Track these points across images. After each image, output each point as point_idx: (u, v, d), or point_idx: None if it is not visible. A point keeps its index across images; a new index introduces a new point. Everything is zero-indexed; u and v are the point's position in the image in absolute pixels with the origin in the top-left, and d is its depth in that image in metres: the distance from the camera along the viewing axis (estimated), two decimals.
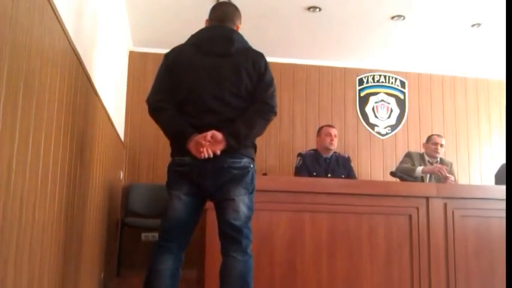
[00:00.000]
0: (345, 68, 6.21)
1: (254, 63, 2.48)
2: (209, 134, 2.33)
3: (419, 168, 4.68)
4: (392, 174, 4.43)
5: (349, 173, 4.77)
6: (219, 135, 2.35)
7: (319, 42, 5.57)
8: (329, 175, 4.64)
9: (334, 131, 4.84)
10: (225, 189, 2.39)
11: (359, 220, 3.46)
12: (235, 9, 2.69)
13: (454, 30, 5.14)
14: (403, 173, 4.77)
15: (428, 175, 4.71)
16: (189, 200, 2.43)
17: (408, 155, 4.95)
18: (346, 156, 4.96)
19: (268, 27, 5.14)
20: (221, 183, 2.39)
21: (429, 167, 4.72)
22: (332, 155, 4.82)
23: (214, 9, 2.69)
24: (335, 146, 4.84)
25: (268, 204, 3.28)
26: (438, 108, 6.37)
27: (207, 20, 2.68)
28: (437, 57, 5.95)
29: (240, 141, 2.39)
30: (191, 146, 2.36)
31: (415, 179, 4.65)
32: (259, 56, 2.54)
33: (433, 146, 4.80)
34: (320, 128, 4.97)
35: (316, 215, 3.40)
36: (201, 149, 2.32)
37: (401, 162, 4.94)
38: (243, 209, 2.40)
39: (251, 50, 2.55)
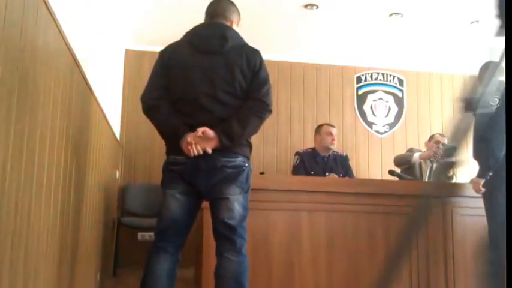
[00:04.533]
0: (342, 66, 6.22)
1: (248, 61, 2.45)
2: (200, 130, 2.32)
3: (417, 154, 4.76)
4: (391, 172, 4.45)
5: (347, 172, 4.78)
6: (210, 132, 2.34)
7: (316, 39, 5.58)
8: (327, 174, 4.64)
9: (334, 130, 4.84)
10: (218, 188, 2.38)
11: (357, 219, 3.47)
12: (229, 3, 2.66)
13: (453, 27, 5.15)
14: (400, 161, 4.84)
15: (427, 173, 4.73)
16: (184, 199, 2.42)
17: (410, 151, 5.01)
18: (344, 155, 4.96)
19: (265, 24, 5.14)
20: (214, 182, 2.38)
21: (426, 152, 4.79)
22: (330, 153, 4.83)
23: (209, 5, 2.68)
24: (335, 145, 4.85)
25: (265, 203, 3.28)
26: (437, 107, 6.38)
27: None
28: (436, 55, 5.96)
29: (233, 140, 2.37)
30: (184, 145, 2.36)
31: (413, 174, 4.67)
32: (254, 53, 2.50)
33: (436, 145, 4.82)
34: (320, 126, 4.94)
35: (314, 214, 3.41)
36: (189, 147, 2.33)
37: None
38: (237, 208, 2.39)
39: (246, 47, 2.52)
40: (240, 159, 2.43)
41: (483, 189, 3.39)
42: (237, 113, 2.40)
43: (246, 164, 2.46)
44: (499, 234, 3.28)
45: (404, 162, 4.82)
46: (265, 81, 2.47)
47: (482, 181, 3.39)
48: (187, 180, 2.41)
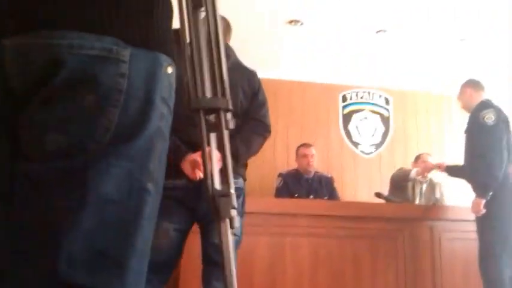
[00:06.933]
0: (328, 84, 6.24)
1: (249, 81, 2.50)
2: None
3: (414, 170, 4.76)
4: (378, 195, 4.45)
5: (332, 194, 4.77)
6: (217, 154, 2.27)
7: (301, 57, 5.61)
8: (311, 196, 4.63)
9: (311, 151, 4.85)
10: None
11: (342, 244, 3.45)
12: (227, 24, 2.65)
13: (441, 45, 5.21)
14: (399, 179, 4.83)
15: (418, 195, 4.75)
16: (178, 236, 2.32)
17: (400, 170, 5.03)
18: (329, 176, 4.95)
19: (248, 41, 5.15)
20: None
21: (421, 168, 4.76)
22: (314, 175, 4.83)
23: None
24: (314, 165, 4.85)
25: (246, 227, 3.23)
26: (424, 126, 6.42)
27: None
28: (423, 74, 6.01)
29: (239, 161, 2.39)
30: (185, 166, 2.25)
31: (405, 196, 4.67)
32: (253, 74, 2.56)
33: (423, 165, 4.84)
34: (297, 149, 5.00)
35: (297, 238, 3.38)
36: (197, 170, 2.22)
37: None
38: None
39: (245, 67, 2.57)
40: (240, 181, 2.42)
41: (484, 210, 3.38)
42: (239, 132, 2.39)
43: (243, 187, 2.46)
44: (489, 267, 3.28)
45: (403, 179, 4.80)
46: (265, 102, 2.55)
47: (483, 201, 3.38)
48: (190, 207, 2.30)
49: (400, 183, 4.83)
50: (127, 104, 0.78)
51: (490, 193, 3.38)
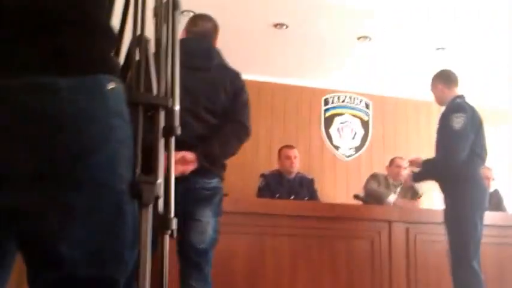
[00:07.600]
0: (310, 87, 6.30)
1: (232, 81, 2.50)
2: (178, 156, 2.21)
3: (393, 198, 4.63)
4: (356, 197, 4.50)
5: (313, 195, 4.83)
6: (189, 156, 2.30)
7: (284, 60, 5.66)
8: (292, 197, 4.68)
9: (293, 152, 4.89)
10: (191, 210, 2.33)
11: (320, 244, 3.50)
12: (215, 26, 2.69)
13: (419, 53, 5.30)
14: (372, 195, 4.77)
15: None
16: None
17: (374, 177, 5.01)
18: (310, 178, 5.00)
19: (233, 42, 5.17)
20: (190, 204, 2.32)
21: (404, 201, 4.67)
22: (296, 176, 4.87)
23: (194, 23, 2.67)
24: (296, 167, 4.89)
25: (226, 226, 3.25)
26: (402, 131, 6.51)
27: (185, 30, 2.65)
28: (402, 80, 6.09)
29: (213, 162, 2.39)
30: None
31: (379, 199, 4.70)
32: (237, 75, 2.57)
33: (396, 169, 4.90)
34: (279, 150, 5.03)
35: (278, 238, 3.42)
36: (177, 166, 2.20)
37: (367, 183, 4.99)
38: (209, 231, 2.36)
39: (229, 68, 2.58)
40: (216, 181, 2.42)
41: (410, 183, 3.98)
42: (217, 133, 2.41)
43: (221, 186, 2.46)
44: (459, 270, 3.33)
45: (378, 198, 4.73)
46: (247, 103, 2.54)
47: (411, 183, 3.96)
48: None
49: (374, 198, 4.76)
50: (77, 125, 0.85)
51: (421, 182, 3.90)
